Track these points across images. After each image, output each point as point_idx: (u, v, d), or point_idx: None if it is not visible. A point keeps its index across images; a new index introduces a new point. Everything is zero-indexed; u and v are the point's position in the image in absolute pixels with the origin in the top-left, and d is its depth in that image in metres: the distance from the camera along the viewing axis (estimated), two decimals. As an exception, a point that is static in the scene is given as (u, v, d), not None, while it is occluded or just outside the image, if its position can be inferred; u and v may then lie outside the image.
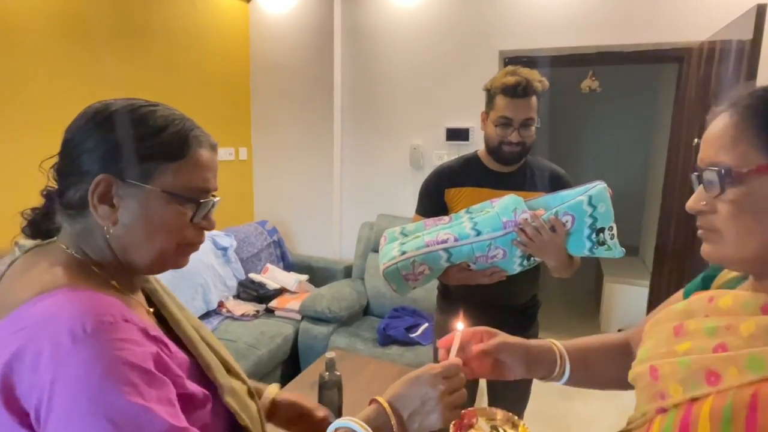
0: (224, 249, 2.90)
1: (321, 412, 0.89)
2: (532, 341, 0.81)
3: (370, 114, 3.19)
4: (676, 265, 2.59)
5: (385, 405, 0.63)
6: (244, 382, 0.74)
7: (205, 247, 2.58)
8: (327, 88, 3.17)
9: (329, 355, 1.23)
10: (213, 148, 0.66)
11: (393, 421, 0.62)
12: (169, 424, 0.50)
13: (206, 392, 0.61)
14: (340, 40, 3.11)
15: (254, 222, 3.29)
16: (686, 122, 2.52)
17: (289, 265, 3.25)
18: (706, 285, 0.68)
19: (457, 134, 2.93)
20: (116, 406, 0.47)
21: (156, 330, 0.58)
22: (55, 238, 0.63)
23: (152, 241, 0.61)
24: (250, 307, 2.74)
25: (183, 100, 2.92)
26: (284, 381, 1.69)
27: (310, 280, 3.06)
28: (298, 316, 2.67)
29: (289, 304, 2.75)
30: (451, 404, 0.65)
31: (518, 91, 1.28)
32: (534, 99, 1.32)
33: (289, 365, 2.57)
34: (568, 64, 2.82)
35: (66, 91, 2.27)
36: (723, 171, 0.54)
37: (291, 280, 2.95)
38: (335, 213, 3.30)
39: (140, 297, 0.68)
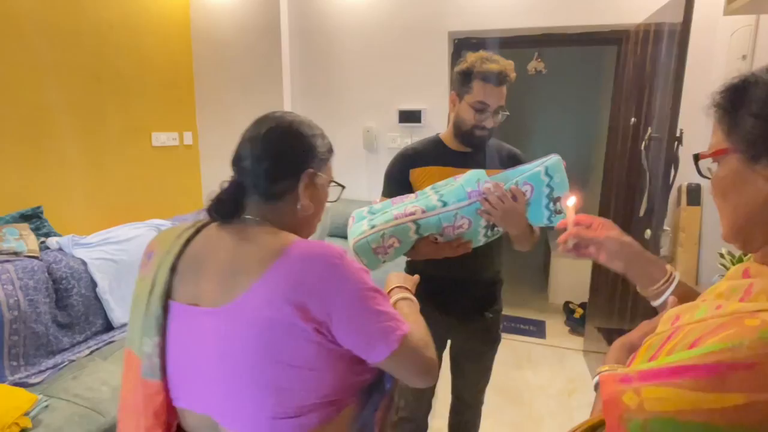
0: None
1: None
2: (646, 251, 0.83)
3: (321, 97, 3.14)
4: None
5: (400, 284, 1.01)
6: None
7: (151, 235, 2.43)
8: (275, 69, 3.07)
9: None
10: None
11: (410, 287, 1.01)
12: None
13: None
14: (287, 21, 3.01)
15: (203, 209, 3.14)
16: (624, 102, 2.67)
17: (242, 252, 3.15)
18: None
19: (409, 116, 2.94)
20: (377, 297, 0.74)
21: None
22: (242, 215, 0.83)
23: (318, 215, 0.89)
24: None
25: (118, 82, 2.71)
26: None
27: (266, 267, 2.99)
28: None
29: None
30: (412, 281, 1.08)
31: (499, 79, 1.33)
32: (505, 88, 1.37)
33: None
34: (516, 45, 2.90)
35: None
36: (698, 157, 0.60)
37: (246, 267, 2.87)
38: (289, 198, 3.22)
39: None
